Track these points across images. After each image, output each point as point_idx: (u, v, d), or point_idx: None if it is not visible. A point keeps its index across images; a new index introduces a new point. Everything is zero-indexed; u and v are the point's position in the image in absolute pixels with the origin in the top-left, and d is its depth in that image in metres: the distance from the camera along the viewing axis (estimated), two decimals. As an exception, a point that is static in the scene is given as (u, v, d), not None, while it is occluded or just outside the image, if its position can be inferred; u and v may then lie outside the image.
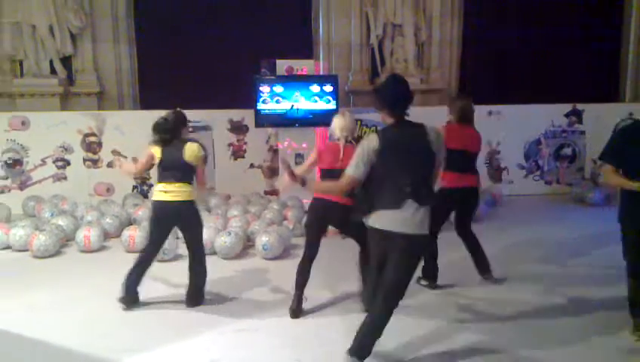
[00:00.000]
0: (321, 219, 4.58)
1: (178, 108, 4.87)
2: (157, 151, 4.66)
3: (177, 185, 4.59)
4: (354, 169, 3.43)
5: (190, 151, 4.63)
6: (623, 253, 4.10)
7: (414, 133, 3.48)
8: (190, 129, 4.87)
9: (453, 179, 4.96)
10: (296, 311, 4.57)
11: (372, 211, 3.47)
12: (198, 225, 4.82)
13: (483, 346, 4.00)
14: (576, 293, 5.00)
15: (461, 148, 4.97)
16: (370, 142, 3.42)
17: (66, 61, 9.42)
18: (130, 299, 4.73)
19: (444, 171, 4.80)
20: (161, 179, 4.66)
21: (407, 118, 3.53)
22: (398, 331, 3.91)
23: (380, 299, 3.49)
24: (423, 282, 5.22)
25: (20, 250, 6.42)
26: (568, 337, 4.16)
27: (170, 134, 4.65)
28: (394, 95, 3.51)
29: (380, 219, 3.43)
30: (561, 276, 5.51)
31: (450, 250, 5.33)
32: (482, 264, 5.26)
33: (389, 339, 3.70)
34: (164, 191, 4.59)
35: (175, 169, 4.60)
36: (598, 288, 5.11)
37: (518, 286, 5.20)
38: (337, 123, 4.55)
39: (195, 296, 4.80)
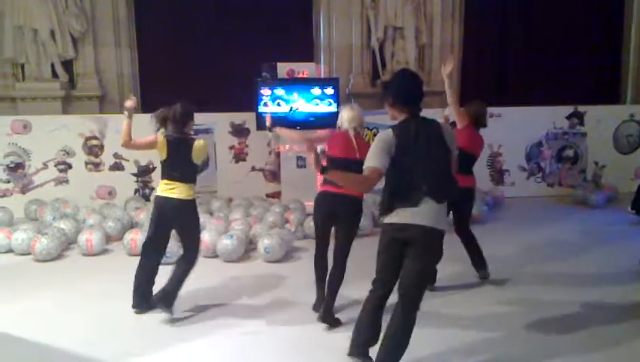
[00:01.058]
0: (332, 213, 4.43)
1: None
2: (163, 145, 4.56)
3: (181, 184, 4.54)
4: (375, 160, 3.26)
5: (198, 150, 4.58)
6: None
7: (429, 129, 3.37)
8: (192, 131, 4.82)
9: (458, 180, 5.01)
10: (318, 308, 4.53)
11: (389, 211, 3.34)
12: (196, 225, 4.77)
13: (491, 350, 3.99)
14: (585, 295, 5.01)
15: (471, 151, 5.07)
16: (387, 135, 3.30)
17: (68, 65, 9.42)
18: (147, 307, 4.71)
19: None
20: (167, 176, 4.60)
21: (420, 113, 3.42)
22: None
23: (402, 303, 3.31)
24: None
25: (22, 254, 6.42)
26: (584, 340, 4.16)
27: (178, 127, 4.56)
28: (405, 89, 3.41)
29: (398, 214, 3.29)
30: (568, 277, 5.51)
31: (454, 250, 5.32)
32: (479, 262, 5.34)
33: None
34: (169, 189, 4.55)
35: (182, 168, 4.55)
36: (607, 289, 5.13)
37: (525, 288, 5.20)
38: (346, 114, 4.49)
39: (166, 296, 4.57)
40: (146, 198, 8.63)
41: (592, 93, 10.50)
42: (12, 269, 6.08)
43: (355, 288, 4.78)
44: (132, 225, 7.25)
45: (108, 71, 9.64)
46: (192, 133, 4.77)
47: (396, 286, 3.40)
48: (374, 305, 3.45)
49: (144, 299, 4.68)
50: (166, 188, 4.56)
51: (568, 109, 9.61)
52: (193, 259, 4.68)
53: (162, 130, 4.63)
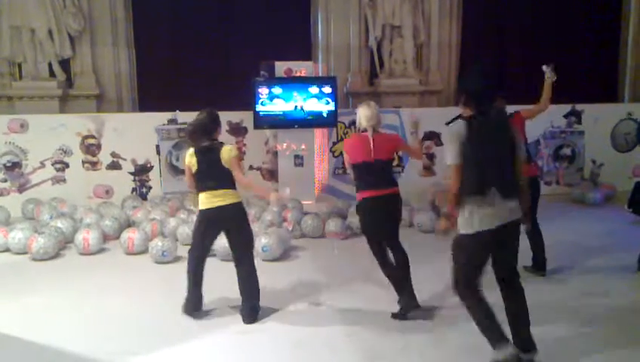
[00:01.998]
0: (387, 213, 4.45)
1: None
2: (192, 158, 4.46)
3: (222, 190, 4.45)
4: (454, 157, 3.33)
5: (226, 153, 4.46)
6: None
7: (499, 123, 3.43)
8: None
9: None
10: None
11: (460, 206, 3.39)
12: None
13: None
14: (584, 292, 5.03)
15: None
16: (459, 127, 3.34)
17: (65, 64, 9.43)
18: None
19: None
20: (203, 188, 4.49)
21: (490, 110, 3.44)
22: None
23: (516, 283, 3.58)
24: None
25: (18, 253, 6.40)
26: (584, 339, 4.16)
27: (208, 135, 4.49)
28: (481, 89, 3.41)
29: (480, 221, 3.33)
30: (566, 275, 5.52)
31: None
32: (539, 260, 5.47)
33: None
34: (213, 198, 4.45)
35: (215, 176, 4.45)
36: (606, 287, 5.15)
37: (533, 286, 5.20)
38: (363, 112, 4.45)
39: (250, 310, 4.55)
40: (144, 197, 8.62)
41: (589, 91, 10.51)
42: (9, 268, 6.06)
43: (355, 287, 4.79)
44: (129, 224, 7.23)
45: (105, 70, 9.64)
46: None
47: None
48: (484, 298, 3.49)
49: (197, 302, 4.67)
50: (214, 199, 4.43)
51: (566, 108, 9.61)
52: (252, 257, 4.64)
53: (192, 144, 4.54)
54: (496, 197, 3.33)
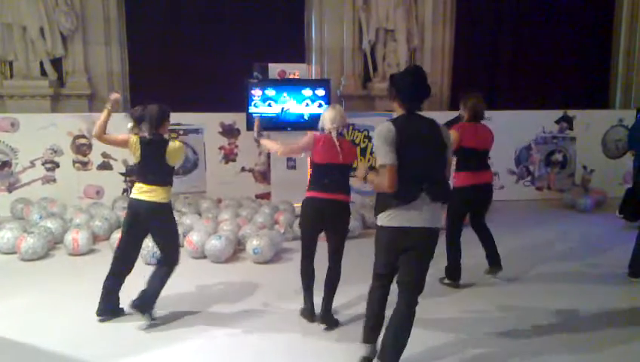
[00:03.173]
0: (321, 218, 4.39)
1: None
2: (136, 147, 4.44)
3: (156, 187, 4.42)
4: (387, 157, 3.27)
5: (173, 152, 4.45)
6: None
7: (427, 126, 3.42)
8: (181, 131, 4.76)
9: (468, 177, 5.04)
10: None
11: (384, 208, 3.37)
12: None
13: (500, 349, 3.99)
14: (574, 298, 5.05)
15: (474, 147, 5.08)
16: (387, 129, 3.30)
17: (57, 63, 9.36)
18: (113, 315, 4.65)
19: (459, 171, 4.93)
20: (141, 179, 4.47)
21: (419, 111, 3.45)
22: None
23: (407, 298, 3.42)
24: (447, 281, 5.32)
25: (7, 253, 6.35)
26: (572, 342, 4.19)
27: (153, 127, 4.43)
28: (409, 85, 3.42)
29: (396, 217, 3.32)
30: (557, 281, 5.54)
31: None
32: (494, 257, 5.37)
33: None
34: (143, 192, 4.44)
35: (156, 171, 4.44)
36: (596, 293, 5.19)
37: (513, 290, 5.21)
38: (328, 115, 4.41)
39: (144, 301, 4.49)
40: (135, 198, 8.56)
41: (581, 97, 10.57)
42: (-3, 268, 6.01)
43: (346, 291, 4.78)
44: (119, 225, 7.16)
45: (97, 69, 9.57)
46: (167, 135, 4.63)
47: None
48: (382, 294, 3.57)
49: (113, 306, 4.61)
50: (140, 191, 4.43)
51: (558, 113, 9.66)
52: (172, 264, 4.56)
53: (136, 130, 4.51)
54: (425, 202, 3.32)
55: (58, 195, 8.22)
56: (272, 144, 4.75)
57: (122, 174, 8.68)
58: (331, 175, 4.27)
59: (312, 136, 4.43)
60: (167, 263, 4.55)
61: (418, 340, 3.82)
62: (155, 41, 9.82)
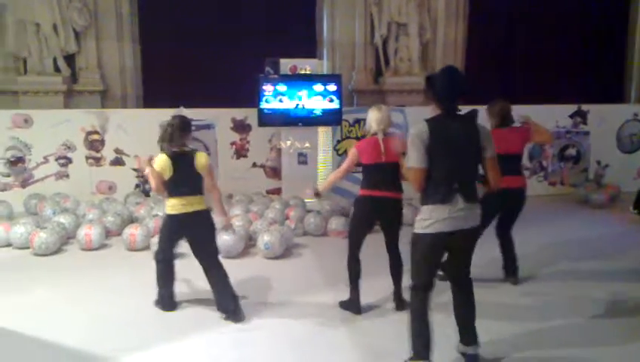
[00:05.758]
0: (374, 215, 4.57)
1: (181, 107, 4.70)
2: (166, 165, 4.41)
3: (193, 197, 4.47)
4: (416, 159, 3.34)
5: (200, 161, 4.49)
6: None
7: (464, 126, 3.42)
8: (193, 127, 4.76)
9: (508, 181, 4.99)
10: None
11: (423, 204, 3.42)
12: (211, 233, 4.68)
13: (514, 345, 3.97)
14: (589, 293, 5.00)
15: (503, 152, 5.00)
16: (420, 130, 3.34)
17: (70, 59, 9.43)
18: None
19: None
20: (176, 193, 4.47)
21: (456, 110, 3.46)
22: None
23: (468, 289, 3.64)
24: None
25: (20, 248, 6.41)
26: (604, 335, 4.17)
27: (178, 140, 4.46)
28: (446, 88, 3.43)
29: (436, 223, 3.36)
30: (571, 276, 5.49)
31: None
32: (511, 268, 5.31)
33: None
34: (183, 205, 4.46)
35: (189, 182, 4.47)
36: (610, 288, 5.12)
37: (527, 285, 5.19)
38: (374, 116, 4.52)
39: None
40: (147, 194, 8.60)
41: (595, 92, 10.45)
42: (10, 263, 6.08)
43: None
44: (132, 220, 7.22)
45: (110, 65, 9.64)
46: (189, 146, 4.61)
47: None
48: (428, 306, 3.56)
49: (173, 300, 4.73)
50: (181, 206, 4.43)
51: (572, 108, 9.56)
52: (220, 263, 4.62)
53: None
54: (459, 203, 3.34)
55: (71, 191, 8.28)
56: (328, 182, 4.98)
57: (134, 170, 8.72)
58: (377, 174, 4.43)
59: (354, 152, 4.55)
60: (217, 268, 4.60)
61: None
62: (168, 37, 9.86)
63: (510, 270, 5.31)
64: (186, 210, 4.44)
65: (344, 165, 4.64)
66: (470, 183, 3.42)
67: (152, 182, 4.43)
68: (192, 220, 4.47)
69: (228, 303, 4.50)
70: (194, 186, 4.48)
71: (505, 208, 5.18)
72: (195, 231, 4.52)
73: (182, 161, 4.43)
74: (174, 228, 4.54)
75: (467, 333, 3.66)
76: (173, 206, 4.46)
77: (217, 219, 4.72)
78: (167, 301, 4.69)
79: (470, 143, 3.40)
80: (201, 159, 4.47)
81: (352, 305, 4.59)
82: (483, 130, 3.47)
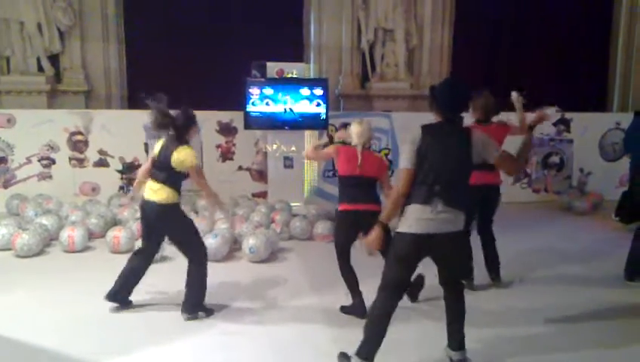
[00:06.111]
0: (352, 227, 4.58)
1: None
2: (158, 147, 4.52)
3: (165, 186, 4.45)
4: (407, 161, 3.40)
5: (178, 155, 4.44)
6: None
7: (457, 133, 3.47)
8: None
9: (473, 177, 5.00)
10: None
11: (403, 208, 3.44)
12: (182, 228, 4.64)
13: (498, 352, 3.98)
14: (572, 299, 5.04)
15: None
16: (415, 133, 3.41)
17: (54, 59, 9.34)
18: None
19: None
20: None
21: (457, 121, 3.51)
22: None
23: (457, 295, 3.68)
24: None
25: (2, 249, 6.31)
26: (588, 340, 4.23)
27: (180, 133, 4.53)
28: (448, 99, 3.48)
29: (414, 224, 3.37)
30: (555, 282, 5.53)
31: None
32: (494, 266, 5.33)
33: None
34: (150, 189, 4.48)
35: (166, 171, 4.46)
36: (593, 294, 5.18)
37: (511, 292, 5.21)
38: (354, 129, 4.57)
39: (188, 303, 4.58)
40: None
41: (578, 100, 10.57)
42: (-9, 264, 5.98)
43: (340, 290, 4.78)
44: (115, 223, 7.14)
45: (94, 66, 9.56)
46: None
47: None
48: (391, 312, 3.53)
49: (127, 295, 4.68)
50: (149, 190, 4.47)
51: (555, 116, 9.65)
52: (200, 263, 4.56)
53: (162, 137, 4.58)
54: (439, 205, 3.36)
55: (54, 192, 8.18)
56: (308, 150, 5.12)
57: (119, 171, 8.65)
58: (353, 188, 4.49)
59: (335, 148, 4.66)
60: (195, 266, 4.57)
61: (426, 337, 3.81)
62: (153, 38, 9.79)
63: (493, 268, 5.33)
64: (147, 195, 4.47)
65: (324, 151, 4.75)
66: (453, 189, 3.42)
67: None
68: (155, 211, 4.43)
69: (190, 296, 4.50)
70: (161, 175, 4.45)
71: (481, 204, 5.19)
72: (151, 220, 4.51)
73: (168, 149, 4.46)
74: (140, 213, 4.58)
75: (454, 338, 3.69)
76: (145, 188, 4.53)
77: (209, 201, 4.86)
78: (119, 295, 4.64)
79: (460, 151, 3.43)
80: (178, 155, 4.41)
81: (356, 310, 4.57)
82: (479, 137, 3.49)
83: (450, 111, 3.47)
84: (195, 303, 4.54)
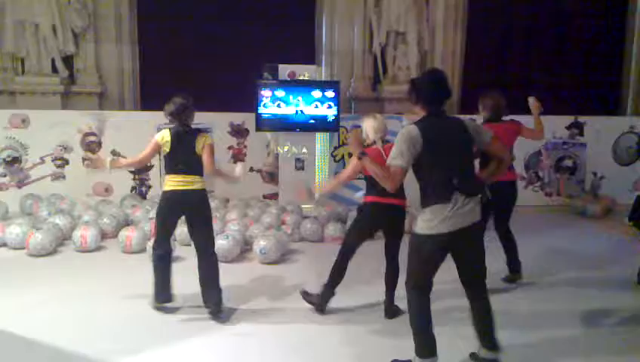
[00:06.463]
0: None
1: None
2: (167, 139, 4.53)
3: (189, 176, 4.51)
4: (398, 159, 3.32)
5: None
6: None
7: (451, 123, 3.48)
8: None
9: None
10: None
11: (420, 211, 3.41)
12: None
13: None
14: (584, 304, 5.00)
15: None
16: (411, 132, 3.34)
17: (68, 60, 9.40)
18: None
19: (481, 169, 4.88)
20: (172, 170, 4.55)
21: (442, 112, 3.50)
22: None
23: (483, 289, 3.61)
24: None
25: (15, 248, 6.38)
26: (601, 346, 4.19)
27: (180, 119, 4.56)
28: (430, 89, 3.46)
29: (439, 224, 3.34)
30: (566, 287, 5.50)
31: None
32: (515, 264, 5.36)
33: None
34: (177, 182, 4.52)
35: (186, 160, 4.51)
36: (606, 299, 5.15)
37: (522, 296, 5.18)
38: (370, 125, 4.49)
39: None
40: (143, 196, 8.60)
41: (592, 103, 10.50)
42: (5, 263, 6.04)
43: (352, 293, 4.77)
44: (127, 223, 7.20)
45: (108, 67, 9.61)
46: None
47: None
48: (429, 305, 3.57)
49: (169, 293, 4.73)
50: (180, 183, 4.49)
51: (568, 120, 9.60)
52: (214, 254, 4.65)
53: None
54: (460, 200, 3.34)
55: (67, 192, 8.25)
56: (329, 187, 5.21)
57: (131, 172, 8.70)
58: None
59: (358, 165, 4.43)
60: (211, 257, 4.64)
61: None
62: (166, 40, 9.84)
63: (514, 266, 5.35)
64: (180, 187, 4.48)
65: (347, 172, 4.54)
66: (468, 178, 3.42)
67: (128, 161, 4.96)
68: (186, 198, 4.50)
69: (211, 296, 4.53)
70: (190, 166, 4.50)
71: (498, 202, 5.15)
72: (188, 209, 4.55)
73: (182, 140, 4.50)
74: (168, 206, 4.57)
75: (488, 339, 3.62)
76: (167, 183, 4.54)
77: (234, 169, 4.96)
78: (160, 293, 4.67)
79: (461, 139, 3.43)
80: (200, 141, 4.50)
81: (314, 300, 4.63)
82: (470, 123, 3.53)
83: (436, 103, 3.46)
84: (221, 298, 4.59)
